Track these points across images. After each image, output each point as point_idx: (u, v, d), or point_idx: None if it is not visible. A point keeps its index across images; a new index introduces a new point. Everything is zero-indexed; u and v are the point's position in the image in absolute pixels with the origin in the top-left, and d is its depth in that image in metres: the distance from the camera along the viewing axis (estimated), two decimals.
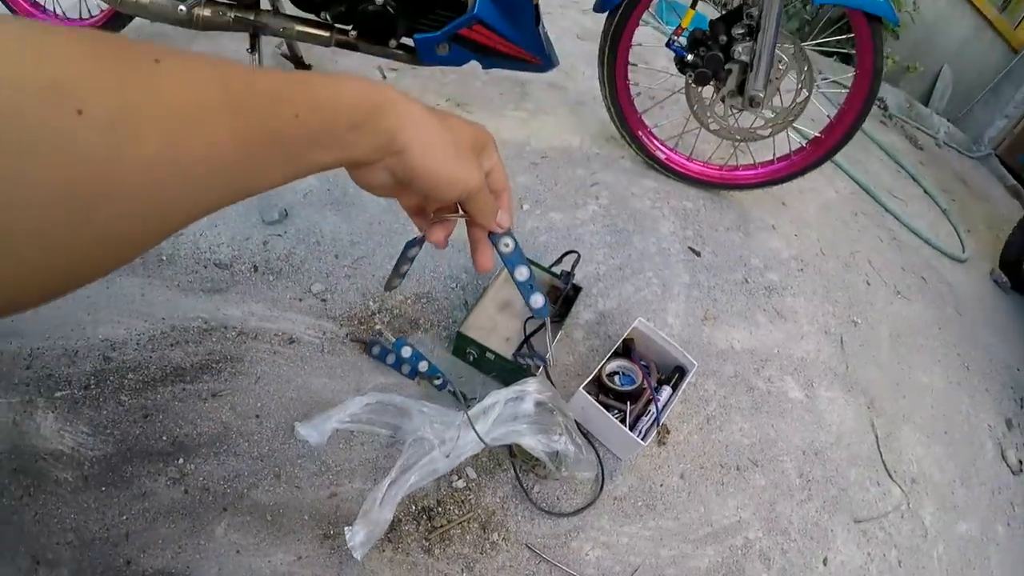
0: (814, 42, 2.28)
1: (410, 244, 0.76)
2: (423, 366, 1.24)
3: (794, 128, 1.98)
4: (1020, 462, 1.98)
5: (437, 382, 1.25)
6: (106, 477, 1.02)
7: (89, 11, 1.85)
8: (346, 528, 0.99)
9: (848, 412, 1.68)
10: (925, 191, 3.15)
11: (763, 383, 1.60)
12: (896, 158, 3.25)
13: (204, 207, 0.42)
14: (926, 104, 4.38)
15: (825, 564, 1.36)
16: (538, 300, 0.78)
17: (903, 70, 4.33)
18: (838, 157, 2.60)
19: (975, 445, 1.91)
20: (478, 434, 1.06)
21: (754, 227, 2.07)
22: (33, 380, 1.10)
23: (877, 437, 1.68)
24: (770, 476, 1.43)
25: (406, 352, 1.24)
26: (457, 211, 0.67)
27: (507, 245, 0.71)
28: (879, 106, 3.81)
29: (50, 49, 0.31)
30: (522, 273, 0.75)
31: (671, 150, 2.07)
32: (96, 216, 0.33)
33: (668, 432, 1.38)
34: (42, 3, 1.91)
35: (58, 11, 1.90)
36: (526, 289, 0.76)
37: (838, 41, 2.07)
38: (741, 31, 1.76)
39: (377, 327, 1.34)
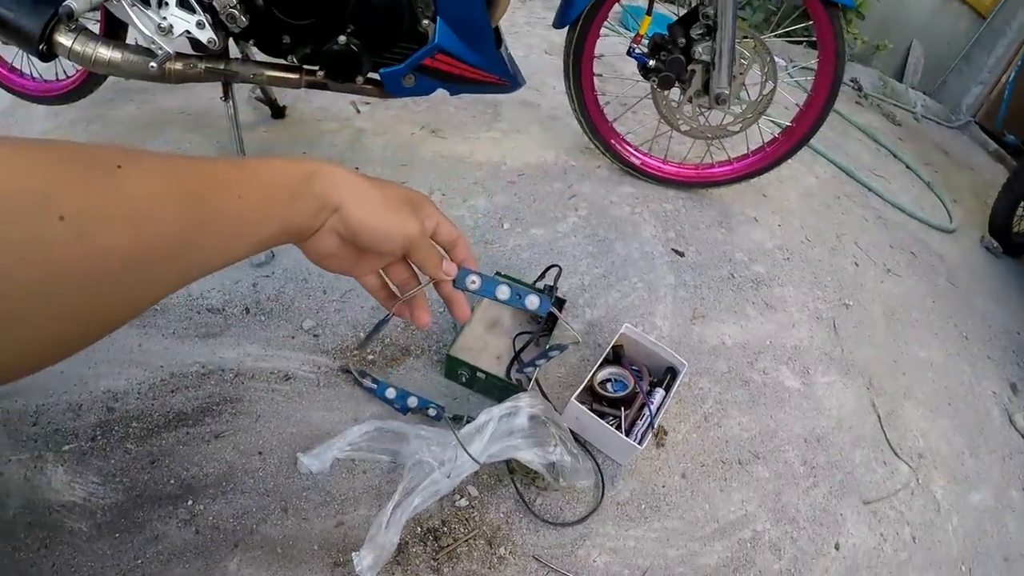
0: (776, 33, 2.31)
1: (379, 325, 0.83)
2: (412, 402, 1.26)
3: (767, 118, 2.00)
4: None
5: (432, 413, 1.26)
6: (119, 524, 1.05)
7: (65, 72, 1.90)
8: (353, 554, 1.01)
9: (847, 395, 1.68)
10: (907, 166, 3.17)
11: (758, 376, 1.61)
12: (874, 137, 3.27)
13: (167, 286, 0.49)
14: (900, 80, 4.41)
15: (837, 548, 1.36)
16: (533, 302, 0.80)
17: (873, 49, 4.36)
18: (816, 142, 2.62)
19: (981, 413, 1.91)
20: (471, 455, 1.07)
21: (736, 221, 2.09)
22: (40, 436, 1.13)
23: (879, 416, 1.68)
24: (773, 467, 1.44)
25: (391, 393, 1.26)
26: (417, 282, 0.76)
27: (473, 282, 0.76)
28: (853, 87, 3.84)
29: (26, 162, 0.38)
30: (503, 293, 0.78)
31: (645, 155, 2.10)
32: (72, 302, 0.40)
33: (666, 433, 1.39)
34: (19, 67, 1.95)
35: (35, 73, 1.95)
36: (516, 301, 0.79)
37: (800, 29, 2.09)
38: (700, 31, 1.79)
39: (370, 357, 1.36)
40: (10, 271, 0.36)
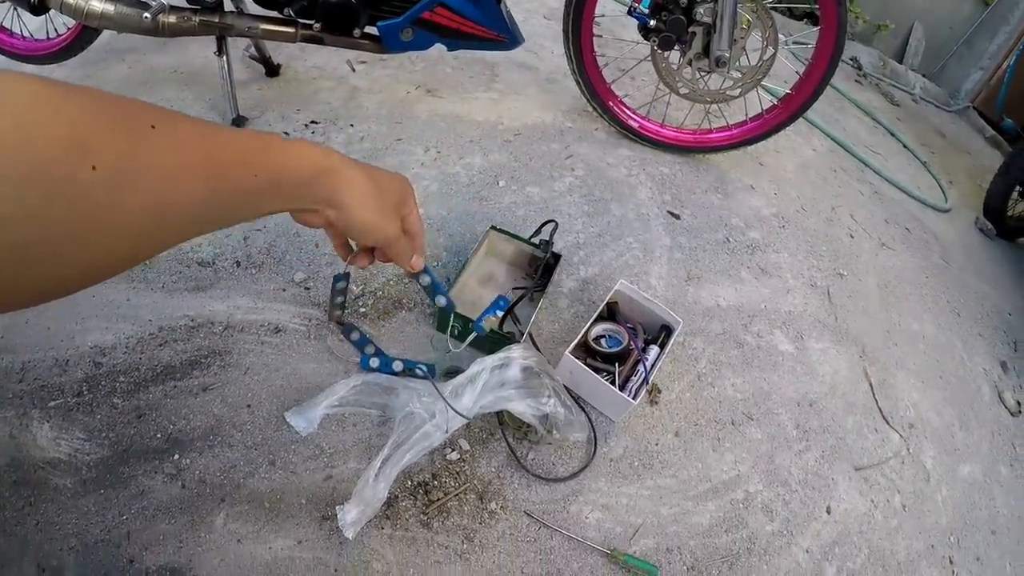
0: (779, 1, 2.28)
1: (337, 279, 0.89)
2: (397, 366, 1.22)
3: (764, 87, 1.98)
4: (1018, 403, 1.98)
5: (420, 375, 1.23)
6: (104, 480, 1.02)
7: (56, 30, 1.84)
8: (337, 508, 0.99)
9: (840, 362, 1.68)
10: (904, 145, 3.16)
11: (752, 338, 1.60)
12: (873, 115, 3.26)
13: (177, 239, 0.52)
14: (900, 61, 4.39)
15: (829, 512, 1.35)
16: (440, 300, 0.95)
17: (874, 29, 4.34)
18: (814, 115, 2.60)
19: (971, 388, 1.91)
20: (459, 412, 1.05)
21: (733, 188, 2.07)
22: (27, 392, 1.10)
23: (871, 385, 1.68)
24: (766, 429, 1.42)
25: (374, 363, 1.22)
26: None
27: (425, 280, 0.88)
28: (853, 65, 3.82)
29: (68, 109, 0.40)
30: (440, 302, 0.92)
31: (643, 118, 2.07)
32: (93, 247, 0.42)
33: (660, 392, 1.38)
34: (7, 27, 1.90)
35: (24, 32, 1.90)
36: (446, 305, 0.95)
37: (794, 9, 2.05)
38: None
39: (362, 310, 1.33)
40: (43, 210, 0.37)
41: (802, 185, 2.27)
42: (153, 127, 0.46)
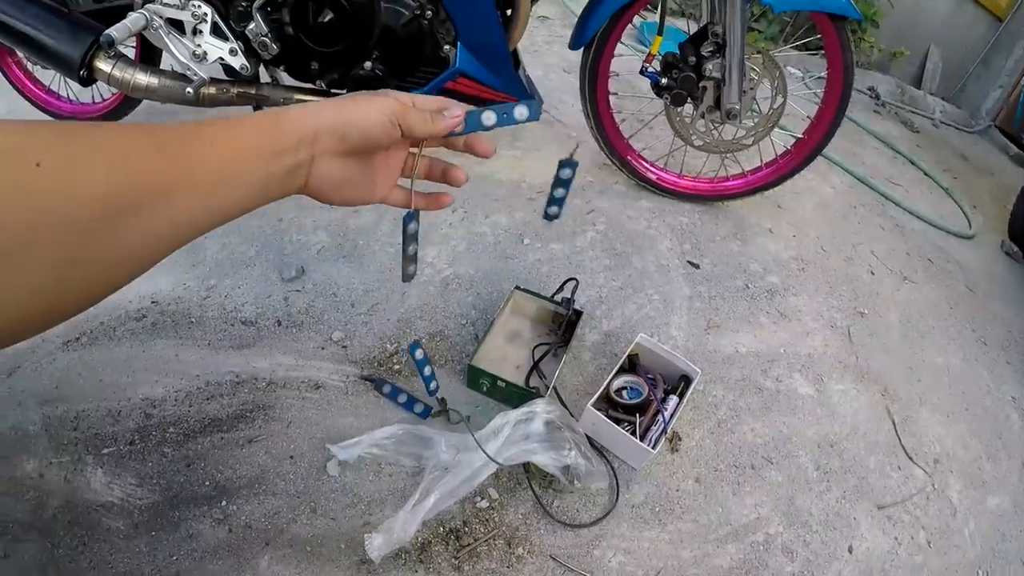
0: (788, 46, 2.35)
1: (407, 219, 0.78)
2: (417, 408, 1.32)
3: (781, 127, 2.05)
4: None
5: (421, 410, 1.34)
6: (155, 523, 1.13)
7: (101, 95, 1.99)
8: (365, 536, 1.09)
9: (862, 401, 1.71)
10: (925, 173, 3.18)
11: (771, 383, 1.66)
12: (892, 145, 3.29)
13: (158, 237, 0.51)
14: (918, 87, 4.41)
15: (851, 552, 1.39)
16: (521, 111, 0.72)
17: (890, 56, 4.37)
18: (832, 152, 2.66)
19: (1000, 418, 1.92)
20: (487, 454, 1.14)
21: (751, 233, 2.13)
22: (81, 440, 1.22)
23: (894, 422, 1.71)
24: (786, 472, 1.47)
25: (402, 399, 1.34)
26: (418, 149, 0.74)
27: (489, 119, 0.71)
28: (871, 96, 3.86)
29: (11, 126, 0.43)
30: (490, 119, 0.71)
31: (661, 170, 2.15)
32: (61, 247, 0.43)
33: (680, 439, 1.44)
34: (56, 90, 2.05)
35: (71, 96, 2.04)
36: (504, 119, 0.72)
37: (812, 42, 2.12)
38: (710, 49, 1.84)
39: (396, 367, 1.44)
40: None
41: (821, 225, 2.33)
42: (98, 128, 0.48)
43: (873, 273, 2.21)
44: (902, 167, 3.16)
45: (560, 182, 0.83)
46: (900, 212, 2.71)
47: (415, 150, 0.75)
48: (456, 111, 0.70)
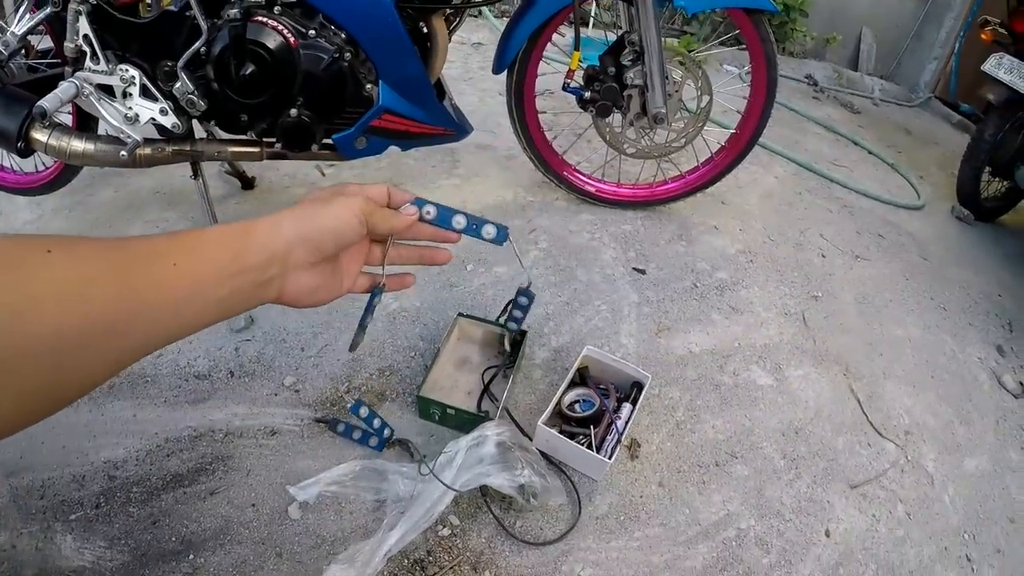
0: (709, 45, 2.39)
1: (376, 295, 0.79)
2: (459, 221, 1.25)
3: (714, 121, 2.06)
4: (1020, 384, 1.99)
5: (381, 437, 1.35)
6: None
7: (44, 163, 1.98)
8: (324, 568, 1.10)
9: (823, 384, 1.72)
10: (869, 151, 3.24)
11: (728, 378, 1.65)
12: (833, 128, 3.35)
13: (112, 361, 0.50)
14: (855, 69, 4.49)
15: (828, 535, 1.38)
16: (489, 231, 0.79)
17: (824, 43, 4.46)
18: (772, 143, 2.69)
19: (967, 380, 1.93)
20: (444, 483, 1.13)
21: (696, 233, 2.15)
22: (48, 508, 1.21)
23: (859, 400, 1.71)
24: (752, 464, 1.47)
25: (363, 412, 1.35)
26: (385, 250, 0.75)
27: (428, 212, 0.75)
28: (808, 83, 3.93)
29: None
30: (459, 223, 0.77)
31: (599, 181, 2.17)
32: (15, 383, 0.43)
33: (640, 446, 1.43)
34: None
35: (14, 167, 2.02)
36: (472, 231, 0.78)
37: (734, 39, 2.15)
38: (629, 58, 1.87)
39: (348, 405, 1.43)
40: None
41: (767, 216, 2.35)
42: (49, 251, 0.46)
43: (824, 256, 2.23)
44: (845, 148, 3.21)
45: (518, 306, 0.89)
46: (847, 193, 2.75)
47: (379, 240, 0.76)
48: (411, 209, 0.74)
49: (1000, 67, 2.72)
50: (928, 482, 1.58)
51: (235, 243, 0.58)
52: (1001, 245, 2.82)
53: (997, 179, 3.01)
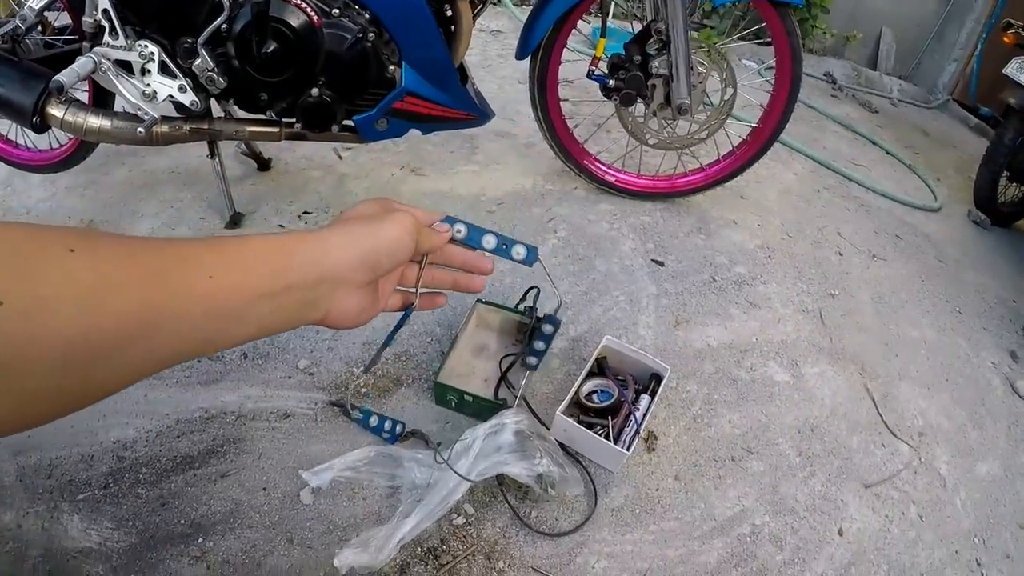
0: (735, 37, 2.37)
1: (407, 316, 0.78)
2: (489, 241, 1.24)
3: (735, 116, 2.05)
4: None
5: (392, 429, 1.33)
6: (133, 565, 1.11)
7: (59, 141, 1.98)
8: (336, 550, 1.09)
9: (839, 382, 1.71)
10: (887, 152, 3.22)
11: (745, 373, 1.65)
12: (852, 127, 3.32)
13: (132, 371, 0.46)
14: (874, 68, 4.46)
15: (841, 534, 1.38)
16: (520, 251, 0.79)
17: (844, 41, 4.43)
18: (792, 139, 2.67)
19: (981, 385, 1.92)
20: (459, 473, 1.12)
21: (715, 226, 2.14)
22: (56, 487, 1.20)
23: (874, 400, 1.70)
24: (768, 460, 1.46)
25: (373, 421, 1.33)
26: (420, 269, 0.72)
27: (459, 231, 0.75)
28: (827, 81, 3.90)
29: None
30: (489, 242, 0.77)
31: (619, 171, 2.16)
32: (15, 385, 0.39)
33: (656, 438, 1.43)
34: (13, 139, 2.03)
35: (28, 144, 2.02)
36: (503, 251, 0.78)
37: (760, 31, 2.13)
38: (655, 47, 1.86)
39: (363, 389, 1.42)
40: None
41: (785, 212, 2.34)
42: (72, 251, 0.42)
43: (841, 254, 2.21)
44: (864, 148, 3.19)
45: (541, 336, 0.84)
46: (864, 192, 2.73)
47: (412, 260, 0.72)
48: (443, 226, 0.73)
49: (1022, 71, 2.70)
50: (941, 485, 1.57)
51: (278, 258, 0.54)
52: (1017, 250, 2.80)
53: (1015, 184, 2.99)
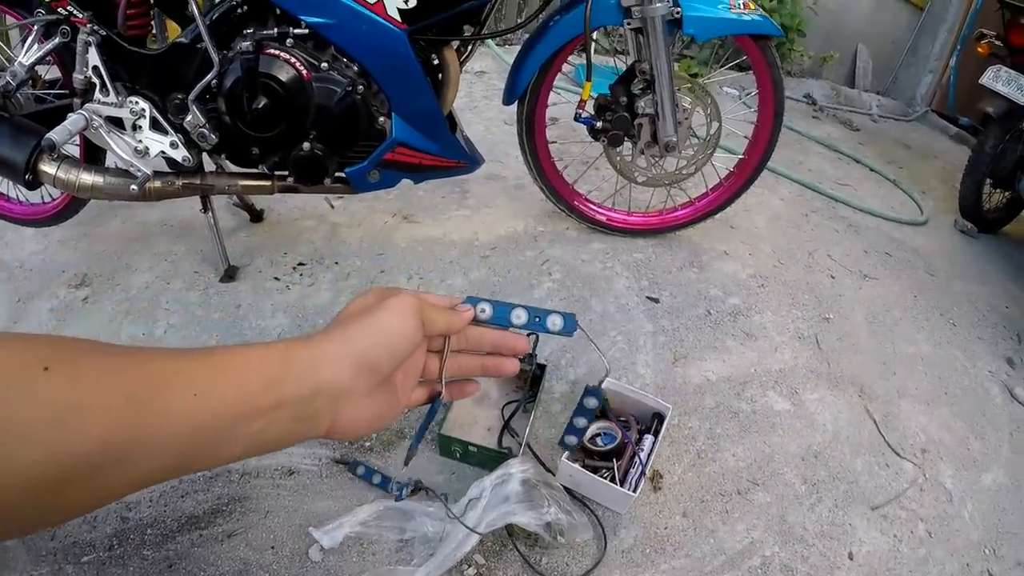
0: (716, 71, 2.42)
1: (436, 407, 0.72)
2: (519, 317, 1.22)
3: (723, 147, 2.09)
4: None
5: (397, 491, 1.34)
6: None
7: (51, 194, 1.96)
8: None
9: (840, 406, 1.73)
10: (871, 169, 3.27)
11: (746, 405, 1.67)
12: (834, 147, 3.38)
13: (101, 496, 0.44)
14: (852, 86, 4.55)
15: (851, 558, 1.39)
16: (556, 322, 0.71)
17: (820, 61, 4.51)
18: (776, 164, 2.72)
19: (980, 395, 1.95)
20: (468, 527, 1.14)
21: (707, 259, 2.17)
22: (59, 550, 1.19)
23: (875, 421, 1.73)
24: (774, 491, 1.48)
25: (377, 478, 1.35)
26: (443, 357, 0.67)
27: (483, 311, 0.68)
28: (807, 102, 3.97)
29: None
30: (520, 318, 0.69)
31: (609, 210, 2.20)
32: None
33: (662, 477, 1.45)
34: (5, 192, 2.02)
35: (21, 197, 2.01)
36: (536, 325, 0.70)
37: (741, 63, 2.18)
38: (640, 87, 1.90)
39: (367, 443, 1.43)
40: None
41: (776, 238, 2.38)
42: (46, 369, 0.40)
43: (833, 277, 2.25)
44: (848, 167, 3.25)
45: (583, 411, 0.73)
46: (852, 211, 2.78)
47: (434, 350, 0.69)
48: (465, 306, 0.67)
49: (998, 79, 2.77)
50: (947, 499, 1.59)
51: (269, 370, 0.51)
52: (1006, 256, 2.85)
53: (999, 190, 3.05)
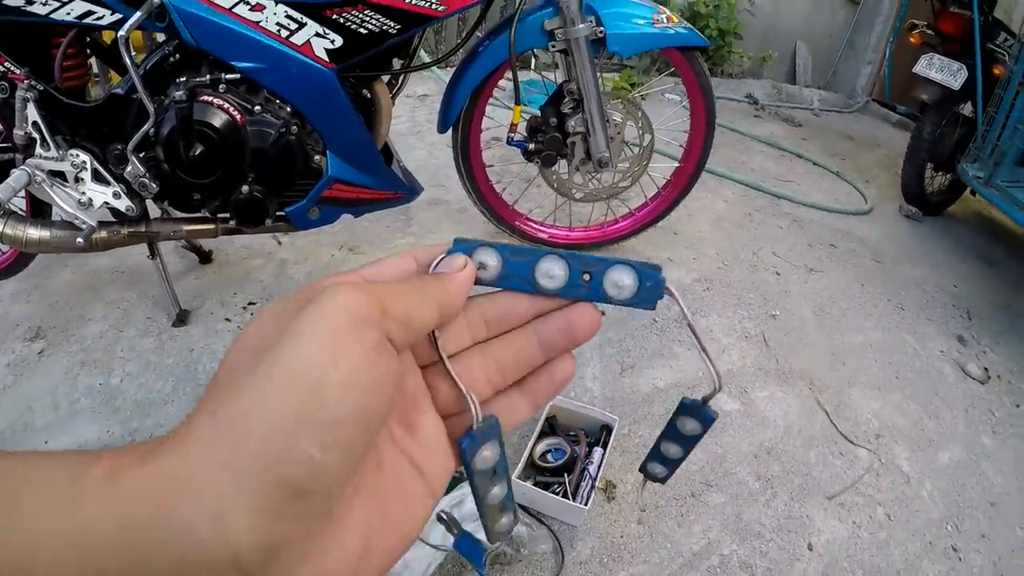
0: (656, 79, 2.46)
1: (470, 451, 0.35)
2: None
3: (661, 154, 2.12)
4: (985, 369, 2.06)
5: None
6: None
7: (0, 249, 1.94)
8: None
9: (790, 401, 1.76)
10: (814, 163, 3.33)
11: None
12: (777, 144, 3.45)
13: None
14: (793, 83, 4.64)
15: (811, 549, 1.41)
16: (624, 282, 0.36)
17: (760, 62, 4.61)
18: (718, 166, 2.77)
19: (932, 375, 1.99)
20: (431, 544, 1.15)
21: None
22: None
23: (827, 412, 1.76)
24: (728, 490, 1.50)
25: None
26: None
27: (485, 266, 0.36)
28: (749, 102, 4.04)
29: None
30: (552, 277, 0.35)
31: (551, 227, 2.23)
32: None
33: (615, 486, 1.46)
34: None
35: None
36: (589, 288, 0.37)
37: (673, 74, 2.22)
38: (569, 106, 1.93)
39: None
40: None
41: (719, 241, 2.42)
42: None
43: (778, 274, 2.29)
44: (791, 163, 3.31)
45: (678, 436, 0.43)
46: (795, 207, 2.83)
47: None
48: (455, 262, 0.34)
49: (931, 67, 2.85)
50: (904, 481, 1.62)
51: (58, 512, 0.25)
52: (952, 236, 2.91)
53: (940, 173, 3.12)
